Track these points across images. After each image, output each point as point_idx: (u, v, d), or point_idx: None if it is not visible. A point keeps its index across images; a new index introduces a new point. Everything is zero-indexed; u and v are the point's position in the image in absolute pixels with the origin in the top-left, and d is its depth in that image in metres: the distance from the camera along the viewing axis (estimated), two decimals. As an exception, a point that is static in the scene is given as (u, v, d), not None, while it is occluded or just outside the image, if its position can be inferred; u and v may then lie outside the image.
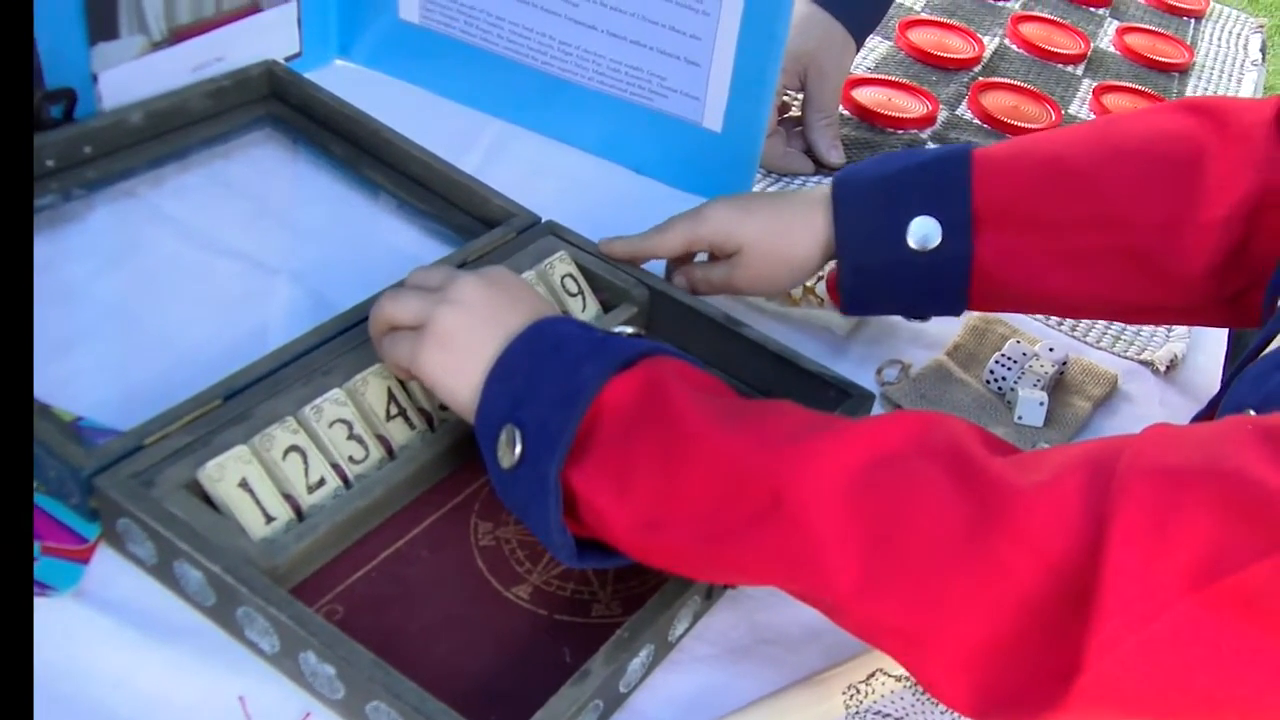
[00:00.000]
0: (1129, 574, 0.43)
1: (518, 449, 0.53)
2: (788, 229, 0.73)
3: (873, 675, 0.54)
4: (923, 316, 0.75)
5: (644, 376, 0.53)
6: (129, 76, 0.77)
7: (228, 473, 0.55)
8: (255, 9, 0.85)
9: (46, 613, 0.53)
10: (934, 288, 0.71)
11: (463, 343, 0.56)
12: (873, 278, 0.72)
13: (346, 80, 0.91)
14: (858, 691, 0.54)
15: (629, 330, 0.61)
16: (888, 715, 0.54)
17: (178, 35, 0.80)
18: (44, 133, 0.72)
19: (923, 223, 0.69)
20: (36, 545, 0.55)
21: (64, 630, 0.52)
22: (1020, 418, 0.75)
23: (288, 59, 0.89)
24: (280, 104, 0.84)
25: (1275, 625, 0.43)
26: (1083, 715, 0.45)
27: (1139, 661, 0.43)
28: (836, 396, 0.68)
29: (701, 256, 0.77)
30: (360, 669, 0.49)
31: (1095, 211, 0.69)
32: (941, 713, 0.55)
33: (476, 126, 0.92)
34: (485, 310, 0.57)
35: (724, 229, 0.73)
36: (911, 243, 0.69)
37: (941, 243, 0.69)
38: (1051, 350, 0.79)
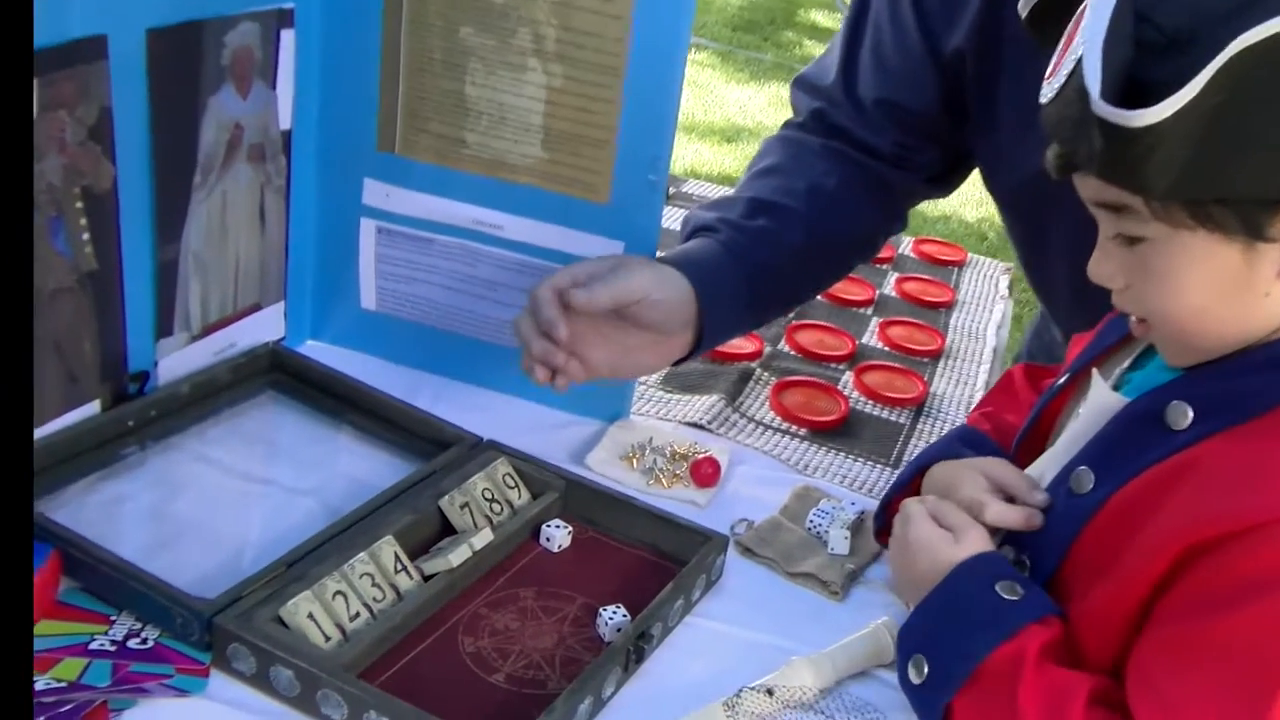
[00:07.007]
0: None
1: (925, 671, 0.80)
2: None
3: (741, 691, 0.83)
4: None
5: (1013, 655, 0.77)
6: (177, 360, 1.08)
7: (300, 609, 0.83)
8: (258, 308, 1.17)
9: (186, 707, 0.79)
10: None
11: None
12: None
13: (320, 355, 1.21)
14: (731, 707, 0.82)
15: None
16: (759, 716, 0.83)
17: (207, 330, 1.11)
18: (127, 403, 1.02)
19: None
20: (172, 667, 0.81)
21: (200, 716, 0.79)
22: (832, 549, 1.06)
23: (275, 342, 1.19)
24: (281, 373, 1.15)
25: None
26: None
27: None
28: (700, 540, 0.99)
29: None
30: (408, 716, 0.77)
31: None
32: (791, 712, 0.84)
33: (420, 380, 1.22)
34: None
35: None
36: None
37: None
38: (853, 504, 1.11)
